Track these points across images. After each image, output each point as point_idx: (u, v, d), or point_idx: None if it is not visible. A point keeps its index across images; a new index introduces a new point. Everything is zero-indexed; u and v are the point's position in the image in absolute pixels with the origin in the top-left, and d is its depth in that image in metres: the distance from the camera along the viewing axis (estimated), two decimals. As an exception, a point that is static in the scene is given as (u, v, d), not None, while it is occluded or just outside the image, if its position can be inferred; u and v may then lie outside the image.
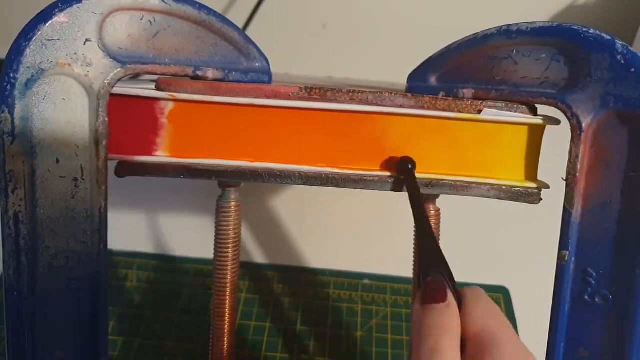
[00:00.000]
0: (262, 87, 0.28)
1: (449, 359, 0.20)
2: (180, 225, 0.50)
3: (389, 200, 0.44)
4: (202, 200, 0.51)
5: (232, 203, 0.32)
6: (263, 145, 0.29)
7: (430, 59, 0.32)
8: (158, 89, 0.28)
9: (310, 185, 0.29)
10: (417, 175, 0.29)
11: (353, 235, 0.50)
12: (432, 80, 0.32)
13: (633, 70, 0.25)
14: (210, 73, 0.29)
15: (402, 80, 0.35)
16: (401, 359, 0.40)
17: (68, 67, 0.25)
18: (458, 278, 0.39)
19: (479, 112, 0.28)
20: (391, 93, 0.28)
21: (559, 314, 0.28)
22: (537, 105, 0.29)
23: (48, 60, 0.25)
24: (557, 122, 0.29)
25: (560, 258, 0.27)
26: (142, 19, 0.27)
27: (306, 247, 0.49)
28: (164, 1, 0.27)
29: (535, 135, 0.29)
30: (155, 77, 0.28)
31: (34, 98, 0.25)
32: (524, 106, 0.28)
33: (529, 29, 0.27)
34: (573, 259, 0.27)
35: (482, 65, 0.29)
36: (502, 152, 0.29)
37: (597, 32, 0.26)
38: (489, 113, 0.28)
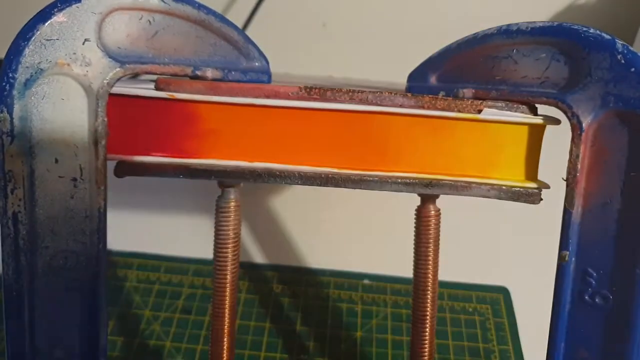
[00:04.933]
0: (262, 86, 0.28)
1: None
2: (180, 225, 0.50)
3: (389, 200, 0.44)
4: (201, 200, 0.51)
5: (232, 203, 0.32)
6: (262, 145, 0.29)
7: (430, 58, 0.32)
8: (157, 88, 0.28)
9: (310, 185, 0.29)
10: (417, 174, 0.29)
11: (353, 235, 0.50)
12: (432, 80, 0.32)
13: (633, 70, 0.25)
14: (209, 73, 0.28)
15: (402, 80, 0.35)
16: (401, 359, 0.40)
17: (67, 67, 0.25)
18: (458, 278, 0.40)
19: (479, 111, 0.28)
20: (391, 93, 0.28)
21: (559, 314, 0.28)
22: (537, 105, 0.29)
23: (47, 60, 0.25)
24: (557, 121, 0.28)
25: (560, 258, 0.27)
26: (141, 19, 0.27)
27: (306, 247, 0.49)
28: (163, 1, 0.27)
29: (536, 135, 0.29)
30: (154, 77, 0.28)
31: (32, 98, 0.25)
32: (524, 106, 0.28)
33: (529, 29, 0.27)
34: (573, 259, 0.27)
35: (482, 65, 0.29)
36: (502, 152, 0.29)
37: (597, 31, 0.26)
38: (489, 113, 0.28)
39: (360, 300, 0.45)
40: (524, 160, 0.29)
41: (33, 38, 0.24)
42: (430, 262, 0.32)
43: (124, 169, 0.28)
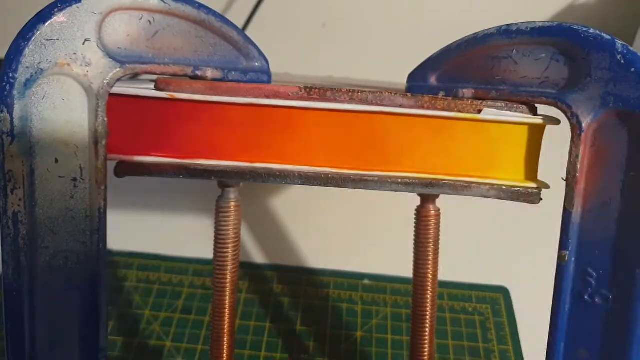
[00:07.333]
0: (262, 86, 0.28)
1: None
2: (180, 225, 0.50)
3: (389, 200, 0.44)
4: (201, 200, 0.51)
5: (232, 203, 0.32)
6: (262, 145, 0.29)
7: (430, 58, 0.32)
8: (157, 88, 0.28)
9: (310, 185, 0.29)
10: (417, 174, 0.29)
11: (353, 235, 0.50)
12: (432, 80, 0.32)
13: (633, 70, 0.25)
14: (209, 73, 0.28)
15: (402, 80, 0.35)
16: (401, 359, 0.40)
17: (67, 67, 0.25)
18: (458, 278, 0.39)
19: (479, 112, 0.28)
20: (391, 93, 0.28)
21: (559, 314, 0.28)
22: (537, 105, 0.29)
23: (47, 60, 0.25)
24: (557, 122, 0.28)
25: (560, 258, 0.27)
26: (141, 19, 0.27)
27: (306, 247, 0.49)
28: (163, 1, 0.27)
29: (535, 135, 0.29)
30: (154, 77, 0.28)
31: (33, 98, 0.25)
32: (524, 106, 0.28)
33: (529, 29, 0.27)
34: (573, 259, 0.27)
35: (482, 65, 0.29)
36: (502, 152, 0.29)
37: (597, 32, 0.26)
38: (489, 113, 0.28)
39: (360, 300, 0.45)
40: (524, 160, 0.29)
41: (33, 38, 0.24)
42: (430, 262, 0.32)
43: (124, 169, 0.28)
